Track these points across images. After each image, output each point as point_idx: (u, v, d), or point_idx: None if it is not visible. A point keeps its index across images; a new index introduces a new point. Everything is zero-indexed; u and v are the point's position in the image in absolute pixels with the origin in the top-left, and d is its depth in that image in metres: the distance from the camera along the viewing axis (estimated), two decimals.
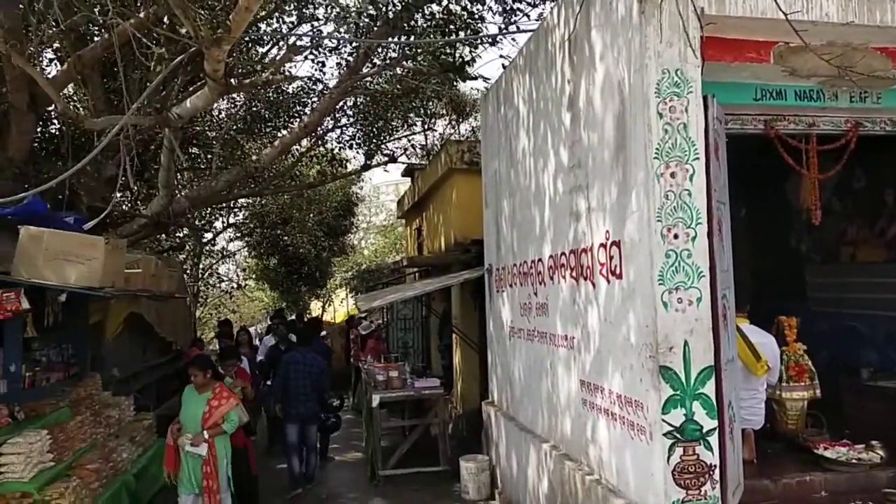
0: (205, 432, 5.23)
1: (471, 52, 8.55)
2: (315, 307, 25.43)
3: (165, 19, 6.64)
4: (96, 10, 6.25)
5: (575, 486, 4.52)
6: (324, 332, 11.28)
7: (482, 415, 7.50)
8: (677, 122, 3.59)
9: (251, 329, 14.63)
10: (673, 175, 3.55)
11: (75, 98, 10.64)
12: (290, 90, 12.37)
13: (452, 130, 17.17)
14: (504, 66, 6.99)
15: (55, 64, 9.89)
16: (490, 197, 7.07)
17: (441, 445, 7.22)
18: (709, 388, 3.55)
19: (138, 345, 8.75)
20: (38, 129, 8.99)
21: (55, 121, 10.45)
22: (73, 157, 9.83)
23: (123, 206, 11.66)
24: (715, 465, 3.55)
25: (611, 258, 4.05)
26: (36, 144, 8.91)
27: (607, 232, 4.10)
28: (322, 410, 7.46)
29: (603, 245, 4.16)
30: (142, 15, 6.10)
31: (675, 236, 3.52)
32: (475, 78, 8.42)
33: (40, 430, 5.12)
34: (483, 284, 7.63)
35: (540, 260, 5.39)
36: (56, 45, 8.53)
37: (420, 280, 10.90)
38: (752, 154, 5.12)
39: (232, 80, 5.37)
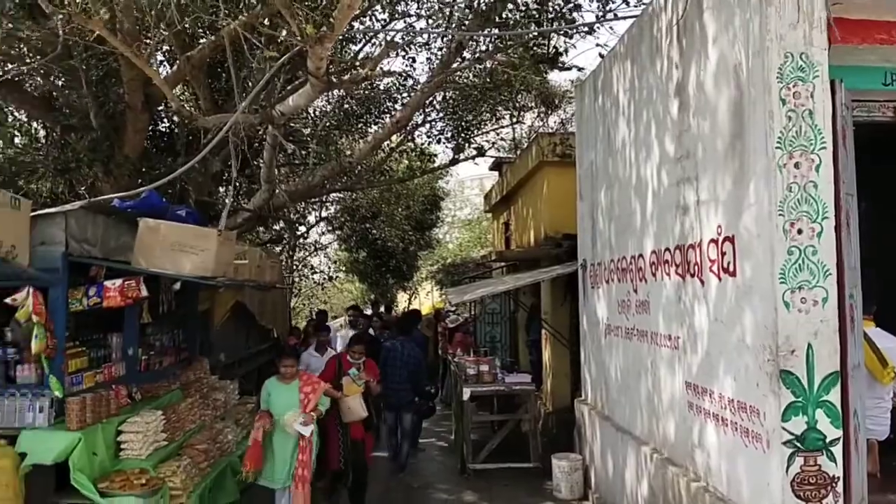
0: (312, 413, 5.30)
1: (565, 42, 8.36)
2: (402, 300, 25.87)
3: (266, 20, 6.90)
4: (207, 13, 6.56)
5: (679, 492, 4.33)
6: None
7: (573, 413, 7.36)
8: (802, 108, 3.34)
9: (337, 321, 15.00)
10: (797, 165, 3.30)
11: (182, 98, 11.29)
12: (381, 86, 12.61)
13: (541, 123, 16.93)
14: (601, 55, 6.78)
15: (164, 66, 10.53)
16: (585, 190, 6.90)
17: (532, 442, 7.14)
18: (833, 396, 3.30)
19: (242, 332, 9.19)
20: (150, 128, 9.58)
21: (164, 119, 11.14)
22: (184, 153, 10.46)
23: (227, 201, 12.30)
24: (838, 478, 3.30)
25: (723, 254, 3.83)
26: (148, 142, 9.49)
27: (719, 226, 3.88)
28: (419, 396, 7.66)
29: (714, 240, 3.94)
30: (246, 17, 6.36)
31: (799, 231, 3.28)
32: (569, 68, 8.23)
33: (155, 410, 5.47)
34: (575, 279, 7.46)
35: (641, 256, 5.19)
36: (165, 47, 9.06)
37: (508, 275, 10.82)
38: (879, 143, 4.71)
39: (332, 78, 5.49)
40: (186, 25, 7.15)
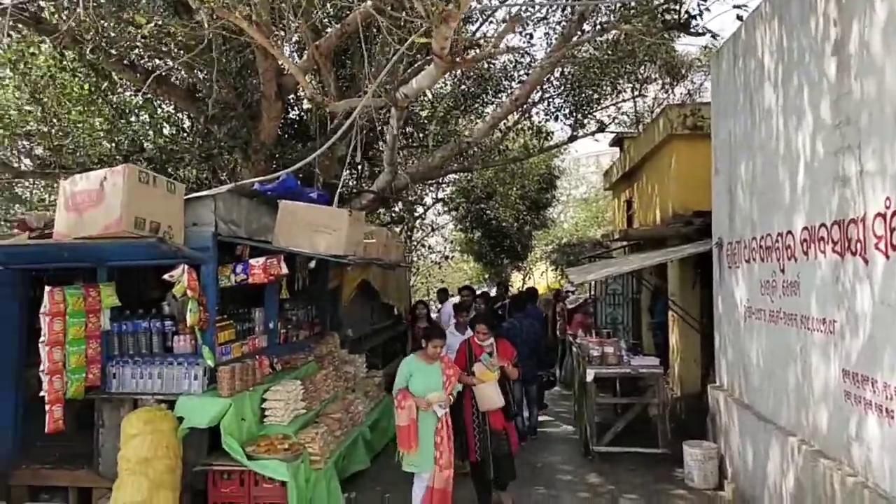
0: (450, 396, 5.08)
1: (699, 4, 7.81)
2: (516, 279, 25.78)
3: (391, 4, 7.01)
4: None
5: (832, 486, 3.99)
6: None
7: (702, 398, 7.00)
8: None
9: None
10: None
11: (311, 85, 11.80)
12: (497, 65, 12.50)
13: (666, 95, 16.08)
14: (740, 18, 6.28)
15: (294, 56, 11.05)
16: (722, 163, 6.45)
17: (661, 427, 6.87)
18: None
19: (366, 309, 9.55)
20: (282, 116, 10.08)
21: (295, 108, 11.70)
22: (313, 136, 10.96)
23: (350, 183, 12.79)
24: None
25: (892, 230, 3.44)
26: (280, 129, 10.00)
27: (888, 199, 3.48)
28: (540, 369, 7.85)
29: (881, 215, 3.54)
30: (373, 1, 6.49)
31: None
32: (702, 34, 7.69)
33: (295, 380, 5.82)
34: (706, 259, 7.04)
35: (789, 232, 4.78)
36: (294, 38, 9.47)
37: (632, 254, 10.43)
38: None
39: (456, 57, 5.49)
40: (317, 14, 7.44)
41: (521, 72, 12.05)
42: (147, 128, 10.30)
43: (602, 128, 12.26)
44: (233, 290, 5.65)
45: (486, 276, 22.80)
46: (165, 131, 10.81)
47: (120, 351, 5.21)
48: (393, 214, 15.60)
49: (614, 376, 7.40)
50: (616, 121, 13.72)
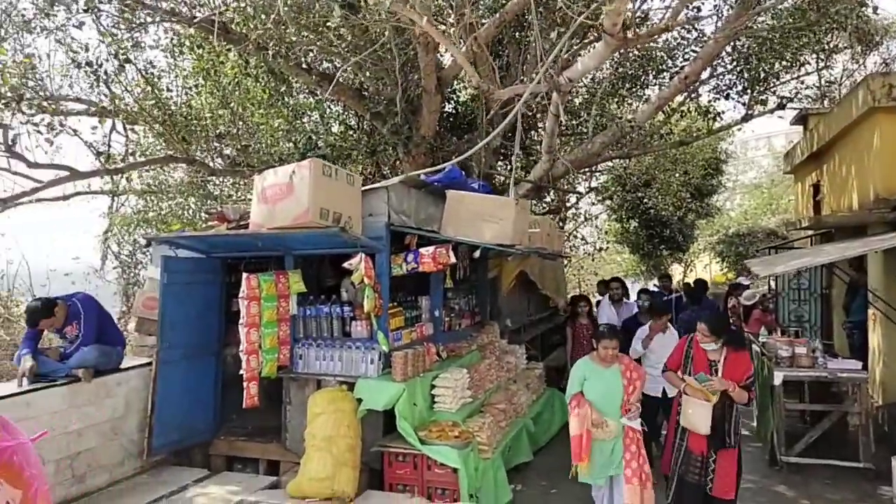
0: (636, 404, 4.53)
1: None
2: (676, 272, 24.38)
3: None
4: None
5: None
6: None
7: None
8: None
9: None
10: None
11: (466, 76, 11.92)
12: (659, 43, 11.76)
13: (856, 65, 14.25)
14: None
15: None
16: None
17: (862, 438, 6.07)
18: None
19: (524, 300, 9.47)
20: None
21: (450, 101, 11.87)
22: (468, 129, 11.07)
23: (504, 173, 12.76)
24: None
25: None
26: (437, 123, 10.17)
27: None
28: None
29: None
30: None
31: None
32: None
33: (461, 369, 5.87)
34: None
35: None
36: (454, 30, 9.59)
37: (821, 244, 9.34)
38: None
39: (628, 33, 5.19)
40: (478, 6, 7.44)
41: (687, 48, 11.24)
42: (319, 127, 10.99)
43: (783, 104, 11.10)
44: (400, 279, 5.82)
45: (643, 268, 21.75)
46: (335, 129, 11.48)
47: (305, 334, 5.57)
48: (545, 205, 15.35)
49: (806, 380, 6.66)
50: (798, 96, 12.35)
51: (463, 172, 6.62)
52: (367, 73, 9.80)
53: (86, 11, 6.80)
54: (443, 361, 6.04)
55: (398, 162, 10.51)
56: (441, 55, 10.22)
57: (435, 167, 7.08)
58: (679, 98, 11.73)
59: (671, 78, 10.50)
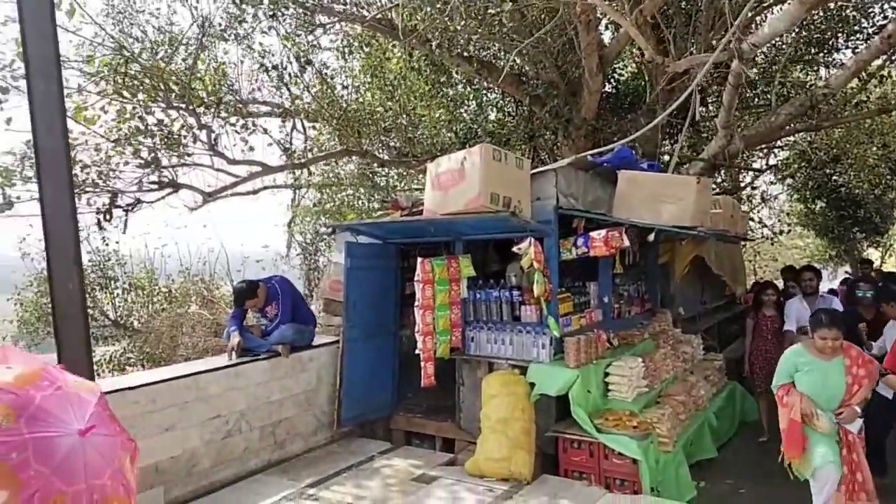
0: (856, 407, 3.99)
1: None
2: (872, 257, 21.57)
3: None
4: None
5: None
6: None
7: None
8: None
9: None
10: None
11: (629, 53, 11.41)
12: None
13: None
14: None
15: (609, 28, 10.78)
16: None
17: None
18: None
19: (697, 287, 8.90)
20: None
21: (610, 81, 11.44)
22: (630, 109, 10.59)
23: (671, 152, 12.06)
24: None
25: None
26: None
27: None
28: None
29: None
30: None
31: None
32: None
33: (636, 357, 5.64)
34: None
35: None
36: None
37: None
38: None
39: None
40: None
41: (887, 4, 9.82)
42: (478, 115, 11.13)
43: None
44: (568, 264, 5.70)
45: (832, 253, 19.49)
46: (492, 117, 11.55)
47: (475, 317, 5.66)
48: (717, 186, 14.29)
49: None
50: None
51: (633, 152, 6.33)
52: (526, 57, 9.73)
53: (271, 17, 7.41)
54: (614, 349, 5.85)
55: (557, 146, 10.33)
56: (601, 34, 9.86)
57: (597, 149, 6.84)
58: (877, 61, 10.31)
59: (867, 39, 9.26)
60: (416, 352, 5.26)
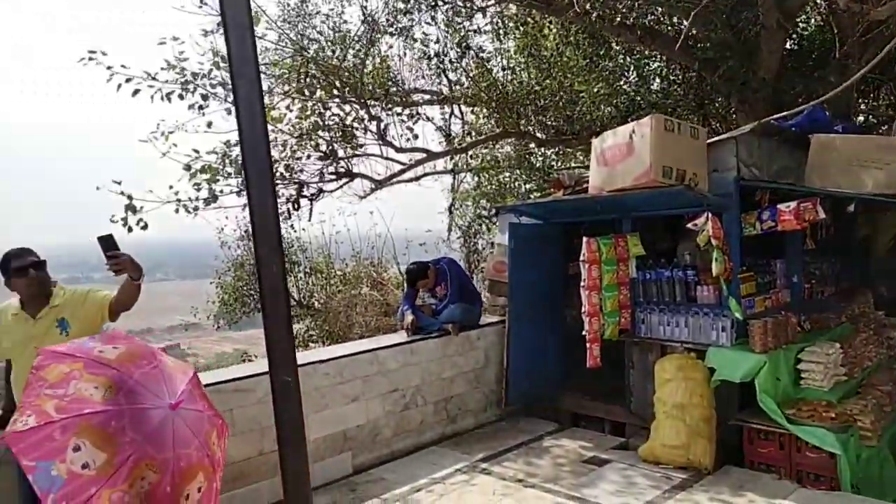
0: None
1: None
2: None
3: None
4: None
5: None
6: None
7: None
8: None
9: None
10: None
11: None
12: None
13: None
14: None
15: None
16: None
17: None
18: None
19: None
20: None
21: (791, 36, 10.27)
22: (817, 66, 9.46)
23: (869, 111, 10.62)
24: None
25: None
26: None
27: None
28: None
29: None
30: None
31: None
32: None
33: (832, 342, 5.08)
34: None
35: None
36: None
37: None
38: None
39: None
40: None
41: None
42: (640, 86, 10.58)
43: None
44: (750, 240, 5.26)
45: None
46: (655, 87, 10.92)
47: (646, 298, 5.43)
48: None
49: None
50: None
51: (826, 113, 5.65)
52: (696, 18, 9.03)
53: (432, 7, 7.60)
54: (806, 333, 5.31)
55: (731, 113, 9.53)
56: None
57: (781, 113, 6.19)
58: None
59: None
60: (582, 333, 5.17)
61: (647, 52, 10.14)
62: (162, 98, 6.72)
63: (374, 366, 4.76)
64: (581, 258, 5.17)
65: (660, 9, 9.12)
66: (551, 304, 6.04)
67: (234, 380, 4.03)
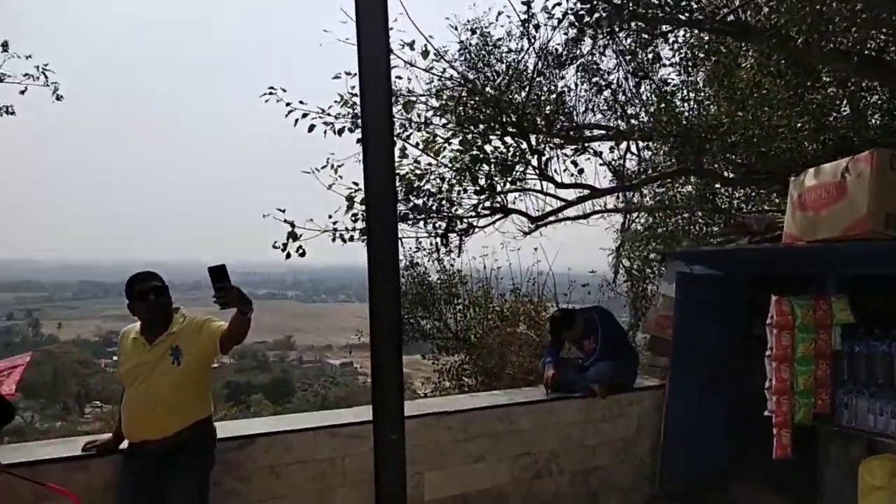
0: None
1: None
2: None
3: None
4: None
5: None
6: None
7: None
8: None
9: None
10: None
11: None
12: None
13: None
14: None
15: None
16: None
17: None
18: None
19: None
20: None
21: None
22: None
23: None
24: None
25: None
26: None
27: None
28: None
29: None
30: None
31: None
32: None
33: None
34: None
35: None
36: None
37: None
38: None
39: None
40: None
41: None
42: (854, 122, 9.08)
43: None
44: None
45: None
46: (873, 122, 9.32)
47: (852, 377, 4.35)
48: None
49: None
50: None
51: None
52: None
53: (608, 35, 7.08)
54: None
55: None
56: None
57: None
58: None
59: None
60: (766, 413, 4.22)
61: (864, 84, 8.69)
62: (334, 132, 6.91)
63: (504, 423, 4.25)
64: (768, 321, 4.26)
65: (882, 34, 7.72)
66: (724, 371, 5.11)
67: (347, 424, 3.77)
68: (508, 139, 7.31)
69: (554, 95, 7.94)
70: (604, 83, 7.90)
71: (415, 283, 11.48)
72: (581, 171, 7.85)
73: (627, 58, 7.95)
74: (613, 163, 8.79)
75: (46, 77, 9.86)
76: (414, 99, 6.97)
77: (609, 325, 4.91)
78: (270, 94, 6.70)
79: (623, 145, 9.18)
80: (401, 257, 11.22)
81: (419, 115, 7.22)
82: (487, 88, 7.34)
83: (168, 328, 3.19)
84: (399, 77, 6.94)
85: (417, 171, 6.87)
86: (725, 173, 8.88)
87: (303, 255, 6.62)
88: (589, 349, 4.89)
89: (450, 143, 7.10)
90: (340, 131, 6.94)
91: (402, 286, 12.03)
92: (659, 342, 5.28)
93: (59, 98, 10.11)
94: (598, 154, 8.15)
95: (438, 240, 6.98)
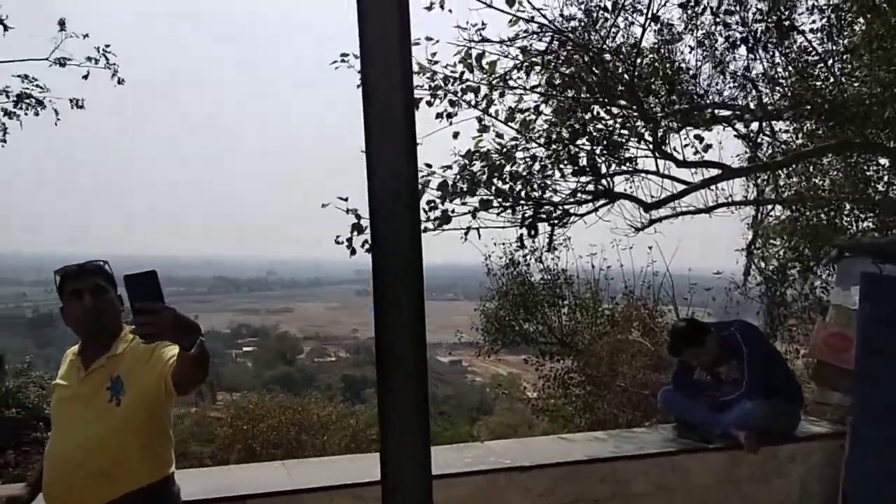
0: None
1: None
2: None
3: None
4: None
5: None
6: None
7: None
8: None
9: None
10: None
11: None
12: None
13: None
14: None
15: None
16: None
17: None
18: None
19: None
20: None
21: None
22: None
23: None
24: None
25: None
26: None
27: None
28: None
29: None
30: None
31: None
32: None
33: None
34: None
35: None
36: None
37: None
38: None
39: None
40: None
41: None
42: None
43: None
44: None
45: None
46: None
47: None
48: None
49: None
50: None
51: None
52: None
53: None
54: None
55: None
56: None
57: None
58: None
59: None
60: None
61: None
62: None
63: (608, 485, 3.09)
64: None
65: None
66: None
67: (377, 483, 2.78)
68: (615, 110, 6.02)
69: (671, 71, 6.58)
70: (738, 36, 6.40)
71: (516, 284, 10.87)
72: (708, 148, 6.38)
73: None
74: (747, 136, 7.23)
75: (108, 59, 9.10)
76: (496, 56, 5.82)
77: (757, 346, 3.57)
78: (342, 61, 5.88)
79: (754, 125, 7.62)
80: (500, 255, 10.44)
81: (506, 77, 6.07)
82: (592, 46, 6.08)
83: (111, 348, 2.20)
84: (473, 24, 5.79)
85: (504, 149, 5.74)
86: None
87: (369, 250, 5.72)
88: (729, 378, 3.57)
89: (541, 114, 5.93)
90: (417, 104, 6.01)
91: (503, 286, 11.37)
92: (830, 370, 3.86)
93: (120, 82, 9.29)
94: (729, 124, 6.62)
95: (524, 230, 5.83)
